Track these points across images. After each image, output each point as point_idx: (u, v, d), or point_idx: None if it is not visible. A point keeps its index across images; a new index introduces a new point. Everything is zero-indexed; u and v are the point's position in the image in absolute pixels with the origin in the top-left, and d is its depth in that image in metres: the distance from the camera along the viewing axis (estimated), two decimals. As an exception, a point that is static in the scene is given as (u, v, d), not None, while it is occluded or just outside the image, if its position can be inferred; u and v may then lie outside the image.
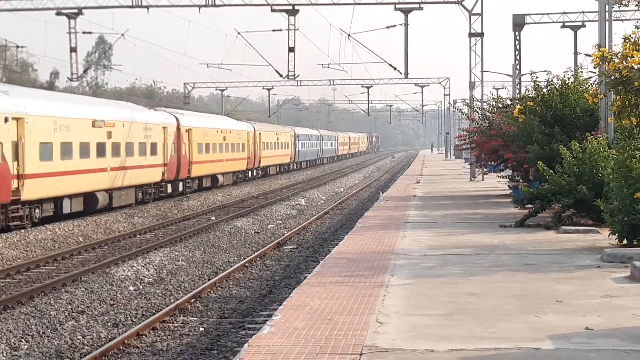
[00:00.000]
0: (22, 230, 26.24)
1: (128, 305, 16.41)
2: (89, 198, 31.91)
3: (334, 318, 10.29)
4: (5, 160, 25.65)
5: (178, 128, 41.93)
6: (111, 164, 33.68)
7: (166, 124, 40.54)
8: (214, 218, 32.61)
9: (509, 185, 31.40)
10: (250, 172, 59.19)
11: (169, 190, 40.61)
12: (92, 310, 15.99)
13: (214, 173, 48.72)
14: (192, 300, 16.55)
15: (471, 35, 43.17)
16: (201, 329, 14.36)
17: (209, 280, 18.99)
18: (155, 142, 38.90)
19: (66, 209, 30.01)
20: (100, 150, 32.71)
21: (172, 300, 16.77)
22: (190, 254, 23.16)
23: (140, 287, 18.55)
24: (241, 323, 14.66)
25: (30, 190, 27.02)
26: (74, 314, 15.68)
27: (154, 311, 15.77)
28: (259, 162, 62.18)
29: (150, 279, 19.46)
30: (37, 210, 28.00)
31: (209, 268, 21.06)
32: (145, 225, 30.22)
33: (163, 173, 39.68)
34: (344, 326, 9.82)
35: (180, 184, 42.42)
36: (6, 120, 25.81)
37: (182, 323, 14.79)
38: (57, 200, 29.60)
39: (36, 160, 27.48)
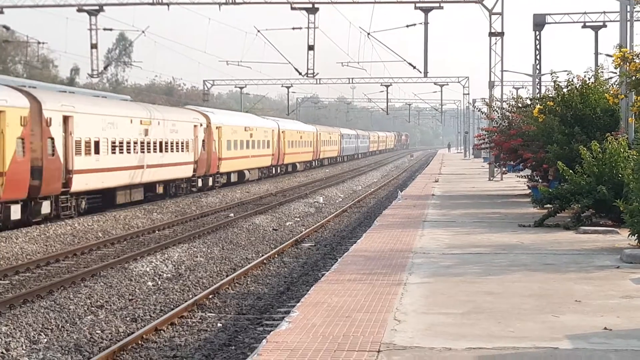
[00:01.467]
0: (42, 225, 26.42)
1: (146, 301, 16.48)
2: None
3: (352, 315, 10.31)
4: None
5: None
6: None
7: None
8: (232, 215, 32.69)
9: (528, 185, 31.32)
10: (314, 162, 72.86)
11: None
12: (110, 305, 16.08)
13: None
14: (210, 296, 16.61)
15: (491, 34, 43.06)
16: (219, 324, 14.41)
17: (227, 276, 19.04)
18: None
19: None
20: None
21: (191, 296, 16.83)
22: (209, 250, 23.24)
23: (159, 282, 18.63)
24: (259, 319, 14.70)
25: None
26: (92, 308, 15.77)
27: (172, 307, 15.84)
28: (319, 154, 79.40)
29: (169, 275, 19.55)
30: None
31: (227, 264, 21.12)
32: (164, 221, 30.33)
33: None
34: (362, 323, 9.84)
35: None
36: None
37: (200, 319, 14.85)
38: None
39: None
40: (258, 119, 60.81)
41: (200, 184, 43.02)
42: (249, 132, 53.06)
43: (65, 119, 28.63)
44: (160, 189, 38.00)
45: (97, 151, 30.88)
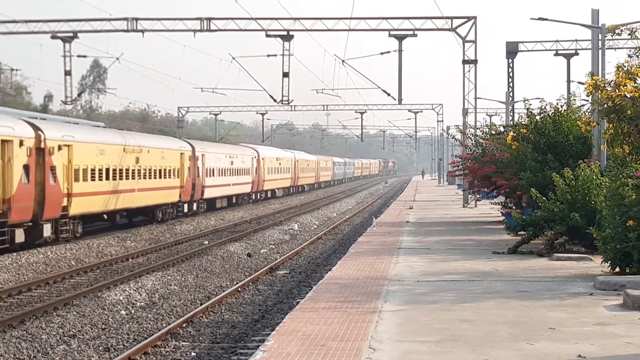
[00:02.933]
0: (14, 254, 26.20)
1: (120, 330, 16.34)
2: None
3: (327, 344, 10.27)
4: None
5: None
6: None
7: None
8: (206, 242, 32.56)
9: (501, 212, 31.44)
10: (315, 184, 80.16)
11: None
12: (83, 335, 15.92)
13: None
14: (184, 325, 16.49)
15: (465, 62, 43.37)
16: (193, 354, 14.30)
17: (201, 304, 18.92)
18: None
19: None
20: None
21: (164, 325, 16.70)
22: (183, 278, 23.11)
23: (132, 311, 18.48)
24: (233, 348, 14.60)
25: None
26: (65, 338, 15.60)
27: (145, 335, 15.70)
28: (318, 179, 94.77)
29: (142, 303, 19.39)
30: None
31: (201, 292, 21.00)
32: (137, 249, 30.15)
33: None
34: (337, 352, 9.80)
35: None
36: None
37: (174, 348, 14.73)
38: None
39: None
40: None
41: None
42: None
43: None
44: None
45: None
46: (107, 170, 34.36)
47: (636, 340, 10.31)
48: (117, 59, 51.26)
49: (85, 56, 49.34)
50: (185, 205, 44.89)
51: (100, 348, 14.78)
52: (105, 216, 35.24)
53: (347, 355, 9.64)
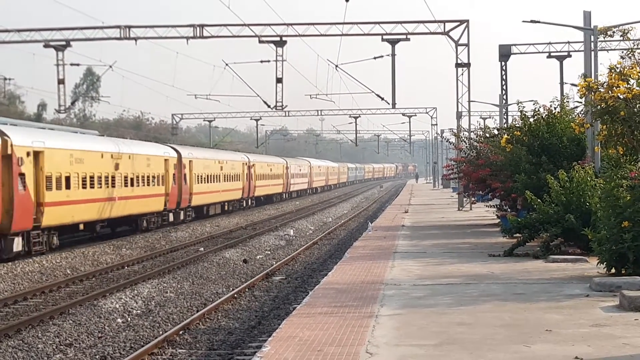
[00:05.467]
0: (10, 263, 26.13)
1: (116, 338, 16.30)
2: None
3: (324, 349, 10.26)
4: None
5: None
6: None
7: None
8: (202, 249, 32.53)
9: (497, 215, 31.47)
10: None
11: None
12: (79, 343, 15.88)
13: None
14: (181, 332, 16.46)
15: (458, 65, 43.46)
16: (190, 361, 14.27)
17: (197, 311, 18.88)
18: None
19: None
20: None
21: (161, 332, 16.67)
22: (179, 286, 23.07)
23: (129, 319, 18.45)
24: (230, 355, 14.58)
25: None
26: (61, 347, 15.56)
27: (142, 343, 15.67)
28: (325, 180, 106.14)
29: (139, 311, 19.36)
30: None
31: (197, 299, 20.97)
32: (133, 256, 30.10)
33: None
34: (334, 357, 9.79)
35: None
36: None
37: (170, 355, 14.70)
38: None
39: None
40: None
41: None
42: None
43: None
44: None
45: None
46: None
47: (633, 341, 10.32)
48: (110, 66, 51.34)
49: (78, 64, 49.37)
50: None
51: (97, 357, 14.74)
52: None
53: (344, 360, 9.62)
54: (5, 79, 67.86)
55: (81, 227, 33.05)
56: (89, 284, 23.93)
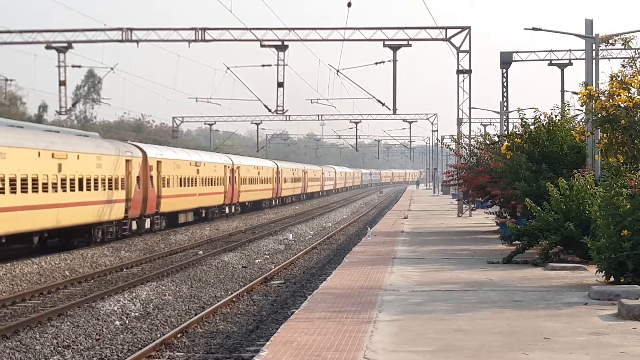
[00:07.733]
0: (8, 264, 26.12)
1: (114, 340, 16.29)
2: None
3: (322, 354, 10.25)
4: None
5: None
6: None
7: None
8: (201, 252, 32.51)
9: (496, 222, 31.45)
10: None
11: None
12: (77, 345, 15.87)
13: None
14: (179, 336, 16.45)
15: (459, 72, 43.47)
16: (187, 364, 14.25)
17: (195, 315, 18.88)
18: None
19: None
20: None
21: (159, 335, 16.66)
22: (177, 289, 23.06)
23: (127, 321, 18.44)
24: (228, 358, 14.57)
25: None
26: (59, 348, 15.56)
27: (140, 346, 15.66)
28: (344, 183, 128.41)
29: (137, 314, 19.35)
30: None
31: (195, 303, 20.96)
32: (132, 259, 30.09)
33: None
34: (332, 362, 9.78)
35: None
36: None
37: (168, 358, 14.70)
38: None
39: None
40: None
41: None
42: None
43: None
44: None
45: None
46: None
47: (631, 349, 10.31)
48: (112, 69, 51.42)
49: (79, 66, 49.29)
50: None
51: (95, 359, 14.74)
52: (3, 240, 27.18)
53: (342, 365, 9.61)
54: (6, 79, 67.91)
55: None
56: (88, 286, 23.92)
